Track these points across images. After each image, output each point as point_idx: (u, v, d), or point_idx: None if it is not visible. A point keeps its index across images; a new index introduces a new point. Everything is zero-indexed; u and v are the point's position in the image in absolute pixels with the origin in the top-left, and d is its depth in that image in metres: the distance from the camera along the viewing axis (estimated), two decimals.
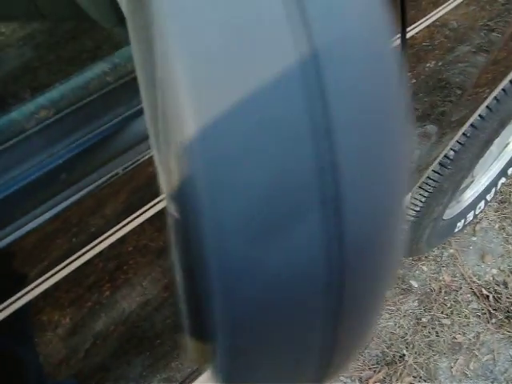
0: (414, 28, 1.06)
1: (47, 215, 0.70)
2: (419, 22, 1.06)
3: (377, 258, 0.21)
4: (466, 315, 2.03)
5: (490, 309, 2.03)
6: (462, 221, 2.11)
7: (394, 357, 1.95)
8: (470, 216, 2.14)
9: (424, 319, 2.04)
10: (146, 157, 0.76)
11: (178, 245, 0.30)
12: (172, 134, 0.25)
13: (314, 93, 0.18)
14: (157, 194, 0.81)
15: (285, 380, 0.25)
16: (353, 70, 0.19)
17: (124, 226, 0.80)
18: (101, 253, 0.80)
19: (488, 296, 2.07)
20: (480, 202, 2.14)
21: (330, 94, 0.18)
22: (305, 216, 0.19)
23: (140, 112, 0.74)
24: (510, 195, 2.34)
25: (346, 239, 0.19)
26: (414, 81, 1.19)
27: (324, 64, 0.18)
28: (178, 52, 0.18)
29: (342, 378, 1.92)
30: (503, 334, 1.97)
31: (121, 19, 0.78)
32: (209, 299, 0.21)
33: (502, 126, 1.67)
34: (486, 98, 1.47)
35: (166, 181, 0.36)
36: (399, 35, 1.04)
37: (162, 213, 0.84)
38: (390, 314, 2.06)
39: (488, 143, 1.69)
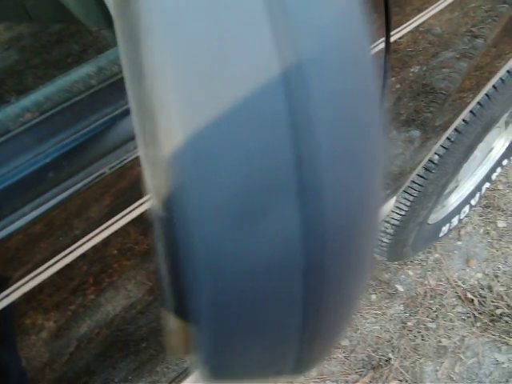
0: (397, 33, 1.07)
1: (33, 214, 0.70)
2: (403, 27, 1.07)
3: (353, 244, 0.21)
4: (451, 319, 2.05)
5: (475, 312, 2.05)
6: (447, 225, 2.13)
7: (380, 360, 1.96)
8: (455, 220, 2.16)
9: (410, 323, 2.05)
10: (133, 156, 0.76)
11: (163, 237, 0.31)
12: (157, 129, 0.26)
13: (291, 88, 0.19)
14: (142, 196, 0.81)
15: (266, 370, 0.25)
16: (329, 67, 0.19)
17: (108, 227, 0.80)
18: (84, 255, 0.80)
19: (473, 300, 2.08)
20: (464, 206, 2.15)
21: (307, 88, 0.19)
22: (281, 203, 0.19)
23: (126, 112, 0.75)
24: (494, 200, 2.36)
25: (322, 224, 0.20)
26: (398, 86, 1.20)
27: (301, 63, 0.19)
28: (164, 53, 0.19)
29: (328, 382, 1.92)
30: (488, 337, 1.99)
31: (108, 21, 0.79)
32: (192, 286, 0.21)
33: (486, 130, 1.69)
34: (470, 102, 1.48)
35: (151, 177, 0.37)
36: (383, 39, 1.05)
37: (146, 215, 0.84)
38: (375, 318, 2.07)
39: (472, 148, 1.71)
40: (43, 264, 0.75)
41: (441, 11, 1.14)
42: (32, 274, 0.74)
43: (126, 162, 0.76)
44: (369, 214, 0.21)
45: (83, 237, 0.77)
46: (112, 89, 0.75)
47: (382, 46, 1.06)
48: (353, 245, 0.21)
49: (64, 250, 0.76)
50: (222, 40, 0.19)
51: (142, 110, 0.40)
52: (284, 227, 0.19)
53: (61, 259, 0.77)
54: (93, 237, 0.78)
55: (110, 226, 0.80)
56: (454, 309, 2.08)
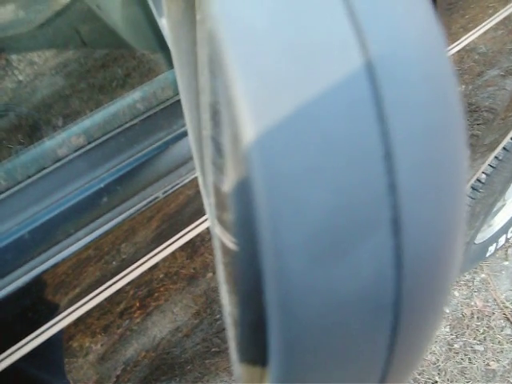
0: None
1: (87, 239, 0.70)
2: (450, 47, 1.06)
3: (440, 274, 0.21)
4: (499, 341, 1.99)
5: None
6: (494, 245, 2.08)
7: (427, 383, 1.92)
8: (502, 240, 2.11)
9: (456, 345, 2.00)
10: (186, 181, 0.77)
11: (230, 267, 0.30)
12: (227, 156, 0.26)
13: (376, 112, 0.18)
14: (189, 221, 0.81)
15: None
16: (414, 88, 0.19)
17: (159, 252, 0.80)
18: (132, 280, 0.80)
19: None
20: None
21: (392, 113, 0.18)
22: (370, 236, 0.19)
23: (180, 136, 0.76)
24: None
25: (413, 257, 0.19)
26: None
27: (386, 85, 0.18)
28: (238, 73, 0.19)
29: None
30: None
31: (161, 44, 0.80)
32: (268, 323, 0.20)
33: None
34: None
35: (212, 203, 0.36)
36: None
37: (193, 240, 0.84)
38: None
39: None
40: (92, 289, 0.76)
41: (485, 30, 1.13)
42: (81, 300, 0.75)
43: (179, 186, 0.76)
44: (457, 243, 0.21)
45: (132, 262, 0.78)
46: (165, 113, 0.76)
47: None
48: (441, 274, 0.21)
49: (113, 275, 0.77)
50: (301, 64, 0.19)
51: (199, 135, 0.40)
52: (373, 261, 0.19)
53: (110, 284, 0.77)
54: (144, 262, 0.79)
55: (161, 250, 0.80)
56: (502, 331, 2.02)
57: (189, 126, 0.45)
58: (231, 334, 0.34)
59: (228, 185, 0.27)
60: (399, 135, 0.19)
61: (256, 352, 0.28)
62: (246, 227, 0.23)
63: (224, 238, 0.30)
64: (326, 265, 0.19)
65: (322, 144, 0.18)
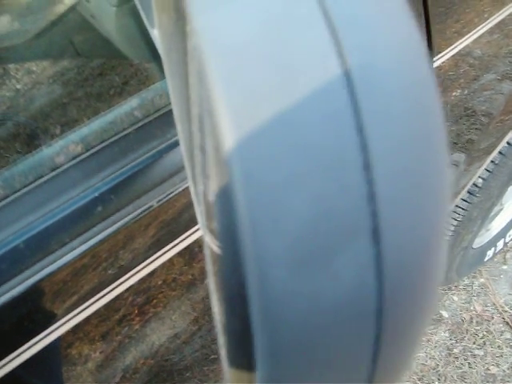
0: (439, 58, 1.06)
1: (82, 248, 0.71)
2: (445, 52, 1.06)
3: (422, 282, 0.21)
4: (499, 346, 1.99)
5: None
6: (492, 249, 2.08)
7: None
8: (500, 244, 2.11)
9: (456, 350, 2.00)
10: (179, 189, 0.77)
11: (217, 275, 0.31)
12: (211, 165, 0.26)
13: (354, 123, 0.19)
14: (186, 228, 0.82)
15: None
16: (393, 98, 0.19)
17: (155, 260, 0.80)
18: (130, 286, 0.80)
19: None
20: (510, 229, 2.11)
21: (371, 124, 0.19)
22: (351, 244, 0.19)
23: (173, 145, 0.76)
24: None
25: (394, 266, 0.19)
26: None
27: (364, 96, 0.19)
28: (219, 83, 0.19)
29: None
30: None
31: (153, 54, 0.81)
32: (253, 330, 0.21)
33: None
34: None
35: (203, 212, 0.37)
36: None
37: (191, 246, 0.84)
38: (420, 344, 2.02)
39: None
40: (90, 296, 0.76)
41: (481, 34, 1.13)
42: (80, 308, 0.75)
43: (173, 195, 0.77)
44: (439, 251, 0.21)
45: (130, 269, 0.78)
46: (159, 123, 0.76)
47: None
48: (423, 282, 0.21)
49: (111, 282, 0.77)
50: (288, 80, 0.19)
51: (191, 145, 0.40)
52: (354, 269, 0.19)
53: (109, 291, 0.77)
54: (142, 268, 0.79)
55: (156, 258, 0.80)
56: (501, 335, 2.02)
57: (180, 136, 0.46)
58: (221, 341, 0.34)
59: (212, 192, 0.27)
60: (378, 145, 0.19)
61: (244, 359, 0.28)
62: (229, 234, 0.24)
63: (213, 246, 0.30)
64: (307, 272, 0.19)
65: (301, 153, 0.19)
